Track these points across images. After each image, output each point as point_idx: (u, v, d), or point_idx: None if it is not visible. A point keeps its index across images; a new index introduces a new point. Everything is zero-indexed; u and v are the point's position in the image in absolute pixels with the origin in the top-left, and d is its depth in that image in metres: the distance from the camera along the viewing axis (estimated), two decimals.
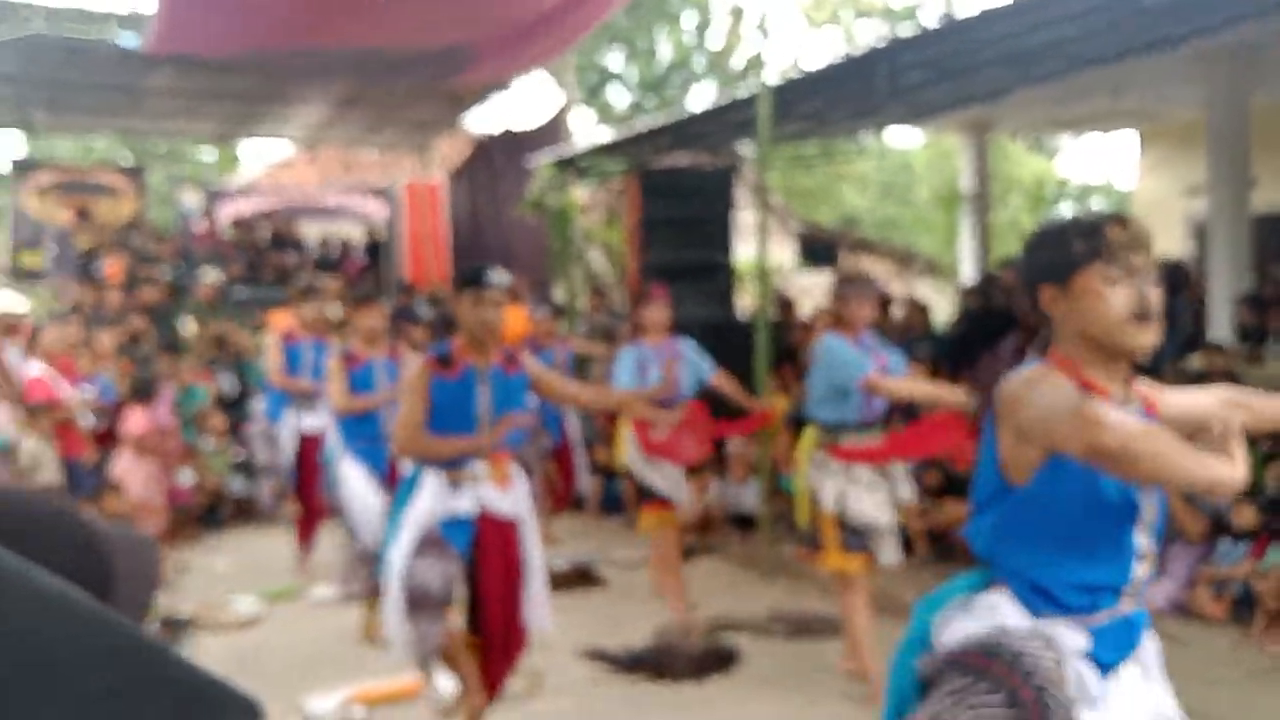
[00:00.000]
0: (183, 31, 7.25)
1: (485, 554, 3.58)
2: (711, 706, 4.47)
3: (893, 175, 24.78)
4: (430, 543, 3.51)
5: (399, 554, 3.51)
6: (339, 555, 5.57)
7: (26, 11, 9.18)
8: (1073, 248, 1.86)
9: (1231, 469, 1.69)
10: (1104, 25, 6.53)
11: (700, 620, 5.49)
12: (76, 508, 0.64)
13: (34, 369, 7.27)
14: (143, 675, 0.48)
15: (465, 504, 3.54)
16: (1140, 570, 1.95)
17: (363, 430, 5.37)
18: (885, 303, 9.54)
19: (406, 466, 3.91)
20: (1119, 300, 1.83)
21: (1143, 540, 1.94)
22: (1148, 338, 1.85)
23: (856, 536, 4.39)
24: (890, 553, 4.43)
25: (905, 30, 7.37)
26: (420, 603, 3.48)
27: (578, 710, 4.43)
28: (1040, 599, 1.92)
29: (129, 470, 7.26)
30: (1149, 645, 2.04)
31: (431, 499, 3.54)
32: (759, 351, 6.52)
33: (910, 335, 9.11)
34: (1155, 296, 1.85)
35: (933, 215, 19.22)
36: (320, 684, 4.64)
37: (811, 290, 16.44)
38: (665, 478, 5.72)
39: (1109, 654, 1.93)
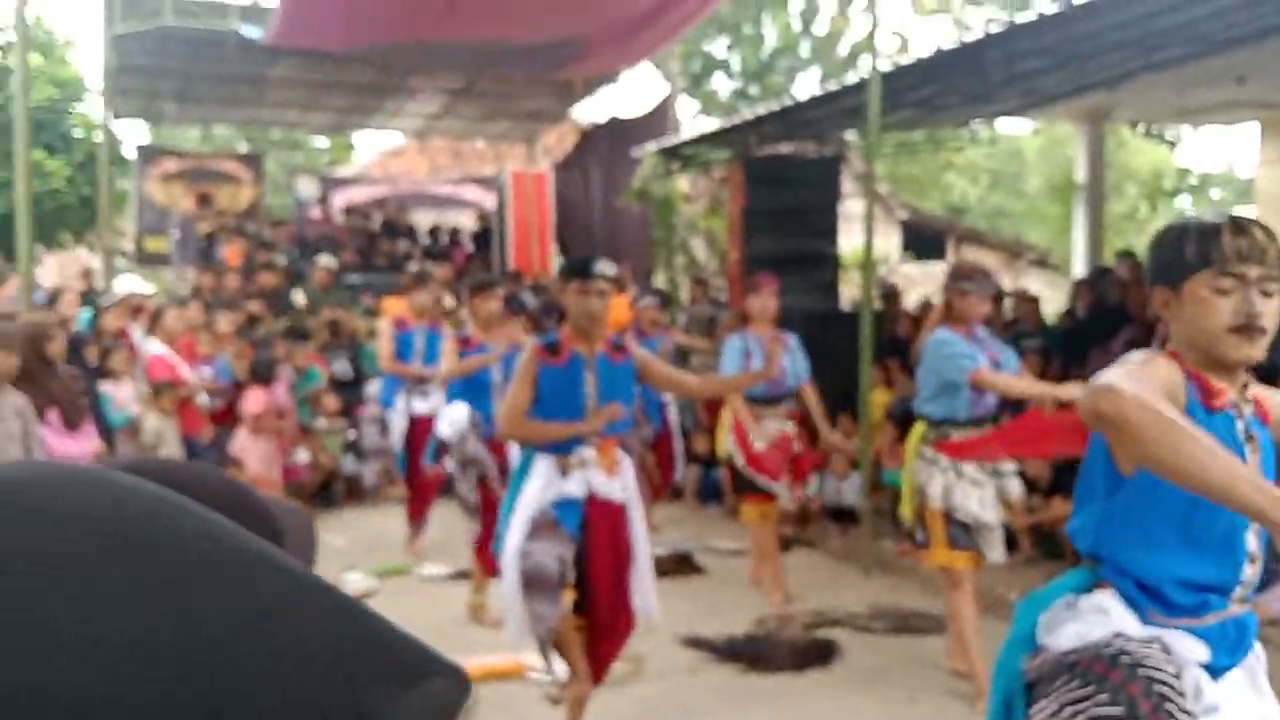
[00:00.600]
0: (304, 25, 7.49)
1: (594, 536, 3.65)
2: (809, 699, 4.46)
3: (1002, 164, 24.18)
4: (544, 525, 3.58)
5: (514, 536, 3.59)
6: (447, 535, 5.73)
7: (155, 4, 9.56)
8: (1185, 253, 1.82)
9: (1258, 494, 1.52)
10: (1235, 6, 6.28)
11: (799, 613, 5.49)
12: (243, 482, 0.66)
13: (157, 349, 7.63)
14: (362, 635, 0.49)
15: (574, 487, 3.62)
16: (1249, 571, 1.89)
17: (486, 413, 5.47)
18: (999, 298, 9.33)
19: (516, 455, 3.99)
20: (1224, 311, 1.79)
21: (1252, 540, 1.88)
22: (1251, 351, 1.80)
23: (963, 533, 4.34)
24: (996, 550, 4.37)
25: (1021, 16, 7.16)
26: (536, 584, 3.54)
27: (676, 696, 4.48)
28: (1146, 597, 1.87)
29: (246, 448, 7.56)
30: (1257, 653, 1.98)
31: (542, 484, 3.61)
32: (863, 343, 6.45)
33: (1020, 329, 8.91)
34: (1269, 309, 1.79)
35: (1043, 205, 18.71)
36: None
37: (917, 280, 16.20)
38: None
39: (1220, 658, 1.87)
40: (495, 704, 4.23)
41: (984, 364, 4.25)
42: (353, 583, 5.94)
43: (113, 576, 0.46)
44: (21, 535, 0.46)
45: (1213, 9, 6.34)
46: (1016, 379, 4.33)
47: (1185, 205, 19.49)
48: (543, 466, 3.65)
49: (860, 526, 6.61)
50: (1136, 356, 1.86)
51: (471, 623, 5.40)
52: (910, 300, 10.90)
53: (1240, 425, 1.87)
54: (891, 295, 10.10)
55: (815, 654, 4.89)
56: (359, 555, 6.62)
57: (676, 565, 6.44)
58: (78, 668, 0.43)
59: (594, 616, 3.71)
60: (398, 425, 6.66)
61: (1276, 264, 1.80)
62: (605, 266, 3.68)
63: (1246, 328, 1.78)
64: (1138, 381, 1.68)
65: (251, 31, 9.18)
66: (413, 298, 6.76)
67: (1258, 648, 1.98)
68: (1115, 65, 7.95)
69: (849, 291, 10.44)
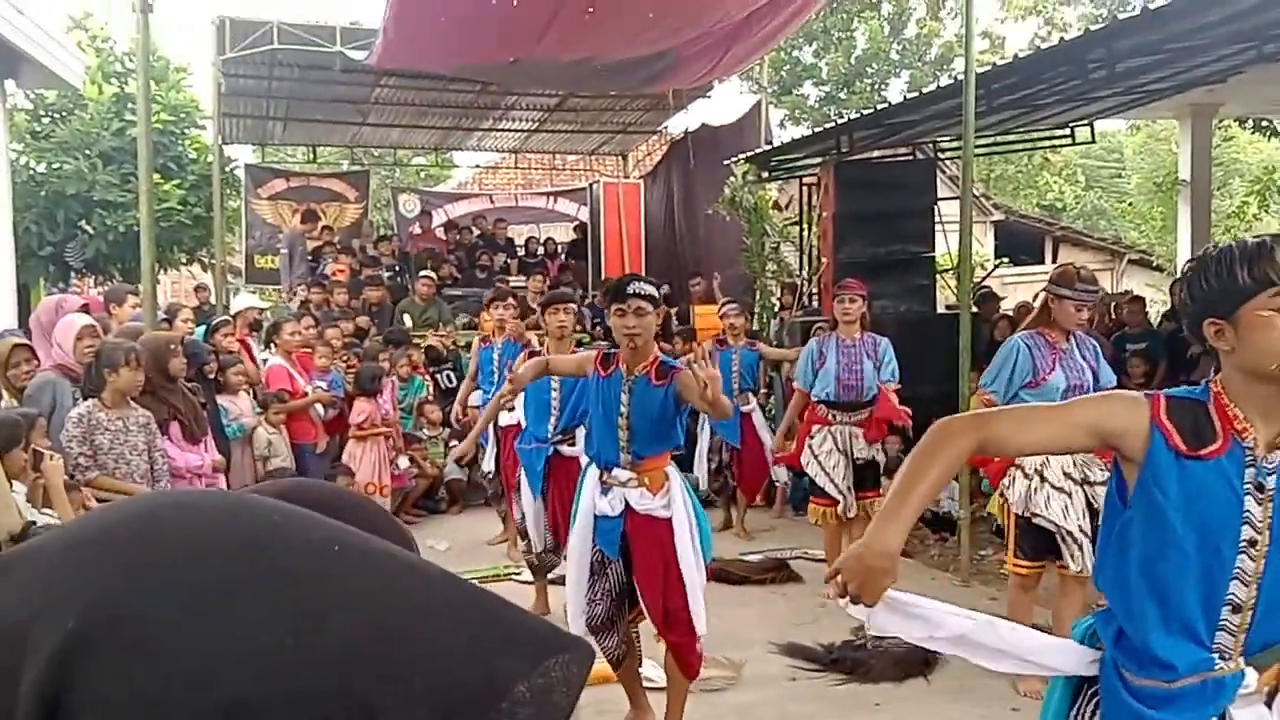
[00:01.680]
0: (406, 47, 7.71)
1: (638, 549, 3.85)
2: (909, 708, 4.45)
3: (1100, 162, 23.55)
4: (594, 565, 3.90)
5: (578, 573, 3.92)
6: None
7: (262, 29, 9.94)
8: (1238, 278, 1.73)
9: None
10: None
11: None
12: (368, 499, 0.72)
13: (276, 360, 7.94)
14: (497, 621, 0.54)
15: (609, 506, 3.83)
16: (1235, 622, 1.77)
17: (535, 432, 5.60)
18: (1109, 306, 9.15)
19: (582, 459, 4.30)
20: None
21: (1241, 590, 1.75)
22: None
23: (1041, 539, 4.32)
24: (1080, 559, 4.29)
25: (1124, 13, 7.01)
26: (596, 630, 3.90)
27: (774, 705, 4.50)
28: (1124, 654, 1.81)
29: (355, 456, 7.82)
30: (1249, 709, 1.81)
31: (590, 497, 3.89)
32: (962, 347, 6.39)
33: (1126, 332, 8.70)
34: None
35: (1143, 204, 18.17)
36: None
37: (1011, 282, 15.88)
38: (830, 475, 5.83)
39: (1184, 717, 1.78)
40: (593, 708, 4.31)
41: (1052, 376, 4.28)
42: None
43: (259, 589, 0.51)
44: (180, 558, 0.52)
45: None
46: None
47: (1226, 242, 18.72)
48: (591, 475, 3.93)
49: (959, 534, 6.54)
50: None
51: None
52: (1007, 304, 10.71)
53: (1251, 473, 1.76)
54: (988, 298, 9.94)
55: (915, 663, 4.86)
56: (460, 560, 6.79)
57: (773, 572, 6.46)
58: (235, 672, 0.49)
59: (657, 623, 3.93)
60: (488, 437, 6.69)
61: None
62: (642, 286, 3.76)
63: None
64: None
65: (355, 54, 9.49)
66: (489, 314, 6.79)
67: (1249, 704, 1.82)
68: (1224, 59, 7.73)
69: (945, 295, 10.30)
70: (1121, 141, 24.49)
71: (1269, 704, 1.81)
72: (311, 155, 16.49)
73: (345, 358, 8.60)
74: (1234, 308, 1.75)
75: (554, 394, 5.49)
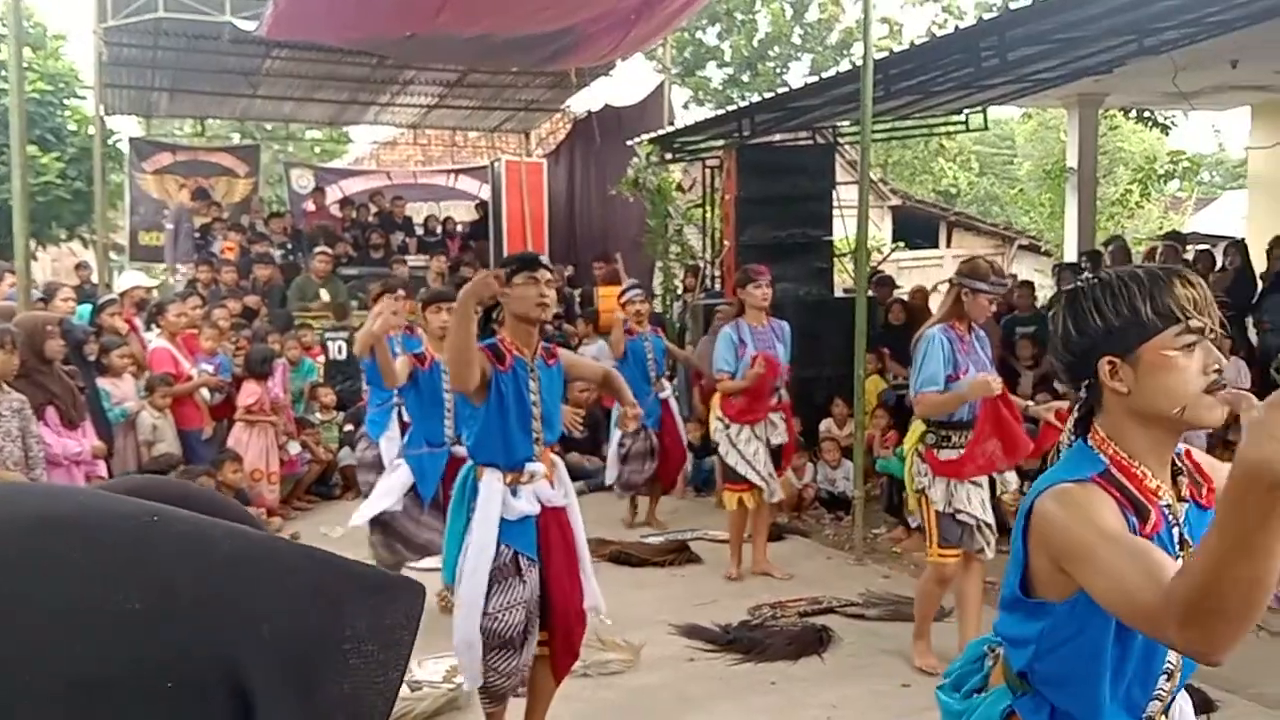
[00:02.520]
0: (299, 18, 7.47)
1: (549, 549, 3.60)
2: (805, 686, 4.51)
3: (992, 149, 24.20)
4: (506, 570, 3.49)
5: (472, 585, 3.45)
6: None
7: None
8: (1141, 313, 1.59)
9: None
10: None
11: (794, 601, 5.54)
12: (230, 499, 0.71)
13: (160, 342, 7.65)
14: (332, 568, 0.58)
15: (525, 505, 3.54)
16: (1166, 688, 1.71)
17: (427, 435, 5.20)
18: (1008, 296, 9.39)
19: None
20: (1193, 371, 1.57)
21: (1174, 656, 1.68)
22: (1222, 412, 1.59)
23: (959, 531, 4.43)
24: (991, 547, 4.48)
25: (1016, 2, 7.18)
26: (501, 644, 3.48)
27: (674, 686, 4.52)
28: None
29: (242, 441, 7.59)
30: None
31: (494, 506, 3.50)
32: (857, 331, 6.48)
33: (1015, 316, 8.96)
34: (1223, 365, 1.61)
35: (1033, 190, 18.75)
36: (427, 650, 4.81)
37: (907, 266, 16.24)
38: (751, 463, 5.86)
39: None
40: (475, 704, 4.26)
41: (966, 374, 4.34)
42: None
43: (87, 562, 0.52)
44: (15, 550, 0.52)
45: None
46: (948, 396, 4.34)
47: (1175, 188, 19.52)
48: (491, 483, 3.52)
49: (853, 514, 6.65)
50: (1069, 493, 1.59)
51: (443, 614, 5.40)
52: (902, 288, 10.93)
53: (1176, 533, 1.65)
54: (883, 282, 10.13)
55: (811, 641, 4.95)
56: (355, 547, 6.64)
57: (673, 554, 6.49)
58: (80, 646, 0.50)
59: (555, 624, 3.63)
60: (390, 436, 6.14)
61: (1217, 313, 1.63)
62: (547, 260, 3.64)
63: (1217, 384, 1.58)
64: (1094, 522, 1.52)
65: (245, 24, 9.16)
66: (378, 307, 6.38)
67: None
68: (1109, 50, 7.97)
69: (842, 279, 10.46)
70: (1014, 129, 25.18)
71: None
72: (200, 128, 15.94)
73: (234, 339, 8.33)
74: (1134, 345, 1.60)
75: (447, 394, 5.10)
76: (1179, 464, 1.70)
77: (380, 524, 5.33)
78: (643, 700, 4.37)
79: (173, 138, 16.69)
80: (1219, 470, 1.71)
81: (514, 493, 3.53)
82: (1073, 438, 1.73)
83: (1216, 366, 1.58)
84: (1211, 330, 1.60)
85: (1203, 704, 4.12)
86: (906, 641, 4.84)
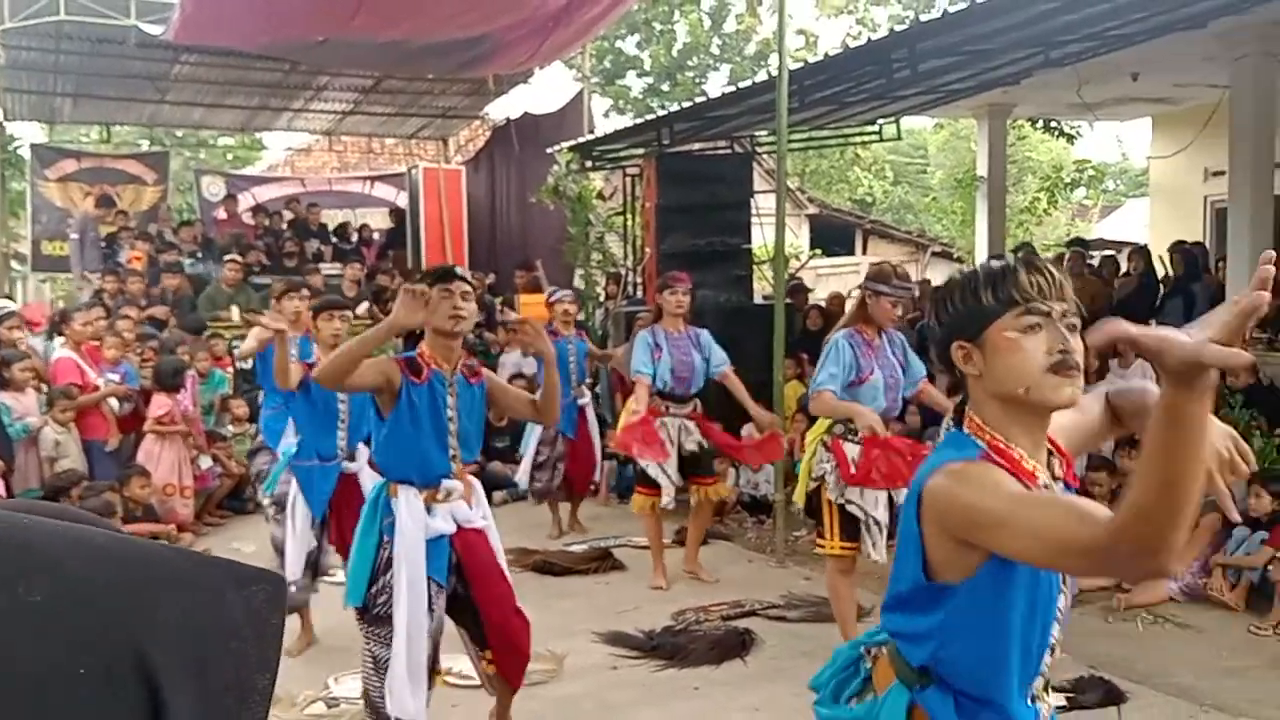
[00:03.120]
0: (207, 22, 7.29)
1: (473, 567, 3.53)
2: (728, 690, 4.53)
3: (906, 158, 24.69)
4: (426, 596, 3.41)
5: (416, 614, 3.37)
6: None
7: None
8: (983, 299, 1.67)
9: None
10: (1130, 4, 6.52)
11: (717, 605, 5.55)
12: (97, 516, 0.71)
13: (64, 353, 7.39)
14: (207, 561, 0.61)
15: (440, 524, 3.45)
16: (1049, 662, 1.78)
17: (318, 447, 5.02)
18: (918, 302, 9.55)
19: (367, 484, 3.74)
20: (1037, 350, 1.63)
21: (1056, 629, 1.74)
22: (1071, 391, 1.64)
23: (852, 526, 4.49)
24: (880, 548, 4.49)
25: (926, 15, 7.34)
26: (420, 674, 3.43)
27: (597, 694, 4.49)
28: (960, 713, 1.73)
29: (153, 454, 7.36)
30: None
31: (417, 529, 3.40)
32: (776, 337, 6.55)
33: (926, 320, 9.12)
34: (1079, 345, 1.65)
35: (946, 199, 19.16)
36: (345, 665, 4.72)
37: (825, 273, 16.47)
38: (662, 467, 5.87)
39: None
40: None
41: (873, 375, 4.42)
42: None
43: None
44: None
45: (1108, 8, 6.57)
46: (843, 405, 4.41)
47: (1081, 196, 20.13)
48: (408, 501, 3.43)
49: (774, 517, 6.71)
50: (962, 467, 1.64)
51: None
52: (819, 294, 11.08)
53: None
54: (799, 290, 10.25)
55: (733, 645, 4.96)
56: (268, 562, 6.48)
57: (596, 562, 6.46)
58: None
59: (492, 640, 3.58)
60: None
61: (1073, 300, 1.69)
62: (466, 274, 3.57)
63: (1063, 364, 1.62)
64: (998, 488, 1.57)
65: (152, 29, 8.92)
66: (281, 307, 5.86)
67: None
68: (1016, 62, 8.19)
69: (761, 286, 10.56)
70: (926, 139, 25.74)
71: None
72: (106, 134, 15.48)
73: (139, 350, 8.08)
74: (980, 330, 1.68)
75: (342, 404, 4.95)
76: (1049, 446, 1.75)
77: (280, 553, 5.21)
78: (566, 710, 4.34)
79: (78, 144, 16.18)
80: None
81: (429, 510, 3.44)
82: (951, 426, 1.77)
83: (1061, 348, 1.62)
84: (1065, 315, 1.65)
85: (1112, 695, 4.24)
86: (828, 642, 4.86)
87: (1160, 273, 9.73)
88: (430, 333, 3.48)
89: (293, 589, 4.97)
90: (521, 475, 7.34)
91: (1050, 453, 1.75)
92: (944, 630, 1.70)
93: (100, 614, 0.53)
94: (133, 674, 0.53)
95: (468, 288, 3.50)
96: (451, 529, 3.47)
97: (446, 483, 3.47)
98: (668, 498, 5.95)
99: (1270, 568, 5.29)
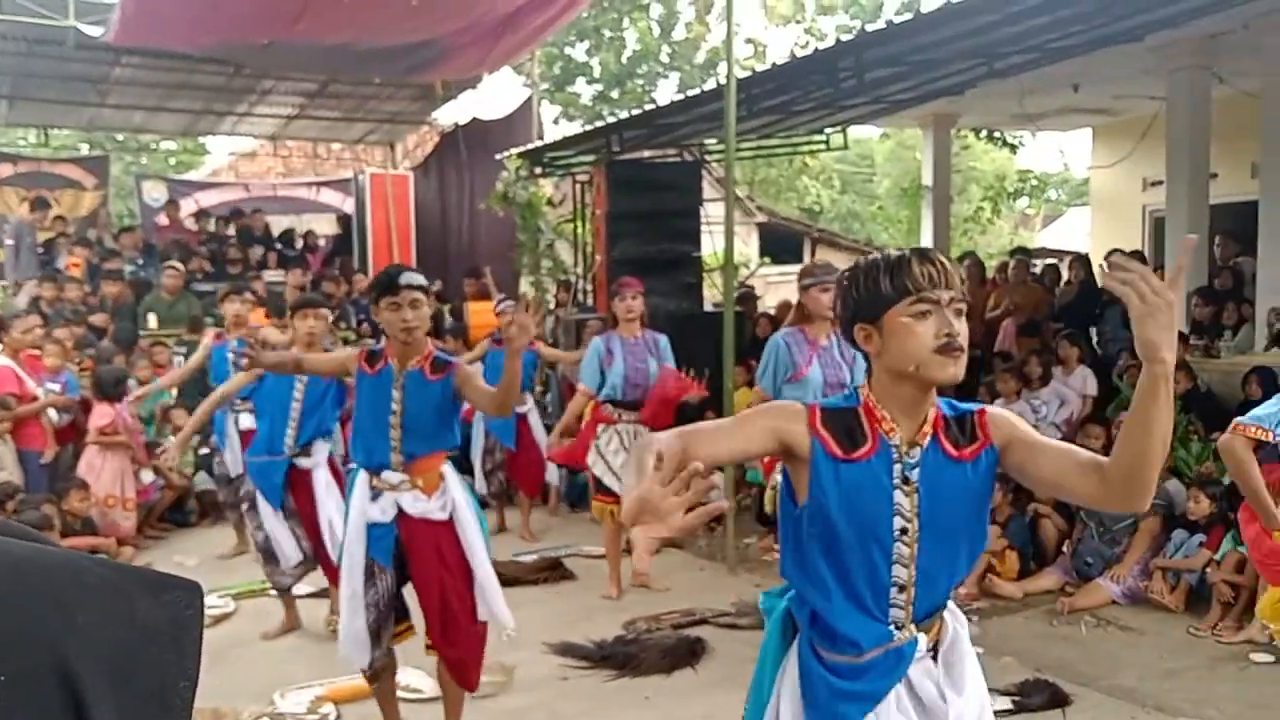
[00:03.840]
0: (149, 23, 7.16)
1: (414, 555, 3.63)
2: (679, 699, 4.52)
3: (853, 168, 24.92)
4: (365, 575, 3.66)
5: (350, 599, 3.66)
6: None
7: None
8: (882, 286, 1.90)
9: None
10: (1069, 18, 6.64)
11: (668, 614, 5.54)
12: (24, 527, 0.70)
13: (1, 361, 7.20)
14: (121, 572, 0.61)
15: (378, 512, 3.60)
16: (903, 599, 1.97)
17: (269, 442, 5.13)
18: None
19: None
20: (926, 334, 1.87)
21: (901, 571, 1.95)
22: (956, 369, 1.89)
23: None
24: None
25: (872, 25, 7.42)
26: (361, 637, 3.68)
27: (546, 705, 4.46)
28: (817, 633, 2.00)
29: (95, 466, 7.19)
30: (926, 667, 2.05)
31: (360, 505, 3.64)
32: (726, 344, 6.56)
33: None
34: (963, 329, 1.90)
35: (892, 208, 19.38)
36: (291, 680, 4.65)
37: (774, 281, 16.56)
38: (618, 474, 5.86)
39: (875, 685, 1.98)
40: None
41: (809, 370, 4.53)
42: (208, 605, 5.71)
43: None
44: None
45: (1048, 20, 6.69)
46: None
47: (1024, 206, 20.46)
48: (360, 484, 3.66)
49: (725, 525, 6.71)
50: (783, 405, 2.01)
51: (333, 640, 5.26)
52: (768, 302, 11.13)
53: (898, 469, 1.93)
54: (748, 297, 10.29)
55: (684, 654, 4.95)
56: (211, 575, 6.37)
57: (546, 572, 6.42)
58: None
59: (434, 633, 3.69)
60: (232, 447, 6.08)
61: (961, 288, 1.92)
62: (413, 276, 3.57)
63: (948, 347, 1.87)
64: (714, 429, 1.96)
65: (92, 30, 8.74)
66: (225, 308, 6.13)
67: (961, 656, 2.07)
68: (960, 73, 8.30)
69: (711, 293, 10.59)
70: (873, 148, 25.99)
71: (934, 658, 2.04)
72: (44, 138, 15.13)
73: (78, 359, 7.89)
74: (879, 314, 1.91)
75: (296, 402, 5.06)
76: (948, 420, 1.98)
77: (264, 551, 5.31)
78: None
79: (14, 148, 15.80)
80: (1016, 431, 1.98)
81: (373, 498, 3.61)
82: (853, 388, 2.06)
83: (948, 332, 1.87)
84: (953, 301, 1.89)
85: (1057, 698, 4.29)
86: None
87: (1100, 281, 9.92)
88: (388, 334, 3.62)
89: (286, 578, 5.30)
90: (479, 483, 7.37)
91: (953, 426, 1.97)
92: (785, 542, 2.01)
93: (23, 619, 0.53)
94: (54, 680, 0.53)
95: (417, 295, 3.52)
96: (388, 519, 3.59)
97: (386, 473, 3.61)
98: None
99: (1208, 570, 5.40)
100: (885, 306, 1.90)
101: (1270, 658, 4.85)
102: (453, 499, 3.66)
